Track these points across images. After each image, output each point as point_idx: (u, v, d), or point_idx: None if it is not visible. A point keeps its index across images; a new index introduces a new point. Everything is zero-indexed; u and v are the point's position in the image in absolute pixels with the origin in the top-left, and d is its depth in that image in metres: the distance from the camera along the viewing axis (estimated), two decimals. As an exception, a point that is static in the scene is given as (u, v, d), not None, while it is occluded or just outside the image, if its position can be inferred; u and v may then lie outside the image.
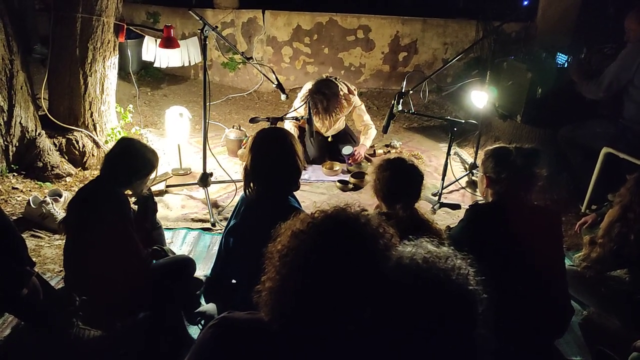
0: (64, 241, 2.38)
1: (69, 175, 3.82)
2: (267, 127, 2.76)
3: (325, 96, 4.01)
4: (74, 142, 3.93)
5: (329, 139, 4.52)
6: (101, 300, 2.17)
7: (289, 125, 4.21)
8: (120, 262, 2.18)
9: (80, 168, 3.96)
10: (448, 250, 1.22)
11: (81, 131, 3.98)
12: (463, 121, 3.79)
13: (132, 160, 2.34)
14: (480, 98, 3.91)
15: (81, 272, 2.26)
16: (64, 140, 3.89)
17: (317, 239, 1.18)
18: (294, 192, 2.29)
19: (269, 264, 1.24)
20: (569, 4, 5.79)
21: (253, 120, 3.44)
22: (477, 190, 3.33)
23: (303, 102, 4.08)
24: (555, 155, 3.95)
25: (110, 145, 4.06)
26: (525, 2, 4.98)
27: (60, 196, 3.45)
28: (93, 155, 4.04)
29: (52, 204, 3.28)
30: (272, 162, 2.18)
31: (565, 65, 4.33)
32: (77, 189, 3.67)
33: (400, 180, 2.16)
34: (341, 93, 4.16)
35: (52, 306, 2.28)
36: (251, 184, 2.22)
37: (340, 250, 1.15)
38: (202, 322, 2.43)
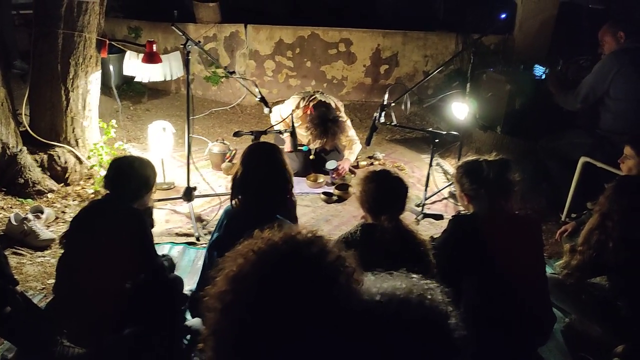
0: (61, 255, 2.36)
1: (51, 191, 3.78)
2: (260, 141, 2.78)
3: (339, 128, 4.20)
4: (55, 158, 3.88)
5: (311, 157, 4.51)
6: (91, 315, 2.14)
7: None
8: (129, 275, 2.25)
9: (62, 184, 3.91)
10: (422, 283, 1.07)
11: (63, 147, 3.94)
12: (444, 132, 3.85)
13: (138, 174, 2.37)
14: (461, 109, 3.97)
15: (80, 286, 2.23)
16: (45, 157, 3.84)
17: (262, 280, 1.03)
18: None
19: (208, 315, 1.07)
20: (545, 17, 5.94)
21: (237, 134, 3.45)
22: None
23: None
24: (535, 165, 4.02)
25: (93, 160, 4.04)
26: (503, 16, 5.09)
27: (42, 213, 3.41)
28: (75, 171, 3.99)
29: (34, 220, 3.24)
30: (263, 175, 2.22)
31: (543, 77, 4.42)
32: (59, 205, 3.68)
33: (386, 191, 2.19)
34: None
35: (35, 324, 2.25)
36: (238, 196, 2.24)
37: (291, 292, 1.00)
38: (188, 336, 2.43)
